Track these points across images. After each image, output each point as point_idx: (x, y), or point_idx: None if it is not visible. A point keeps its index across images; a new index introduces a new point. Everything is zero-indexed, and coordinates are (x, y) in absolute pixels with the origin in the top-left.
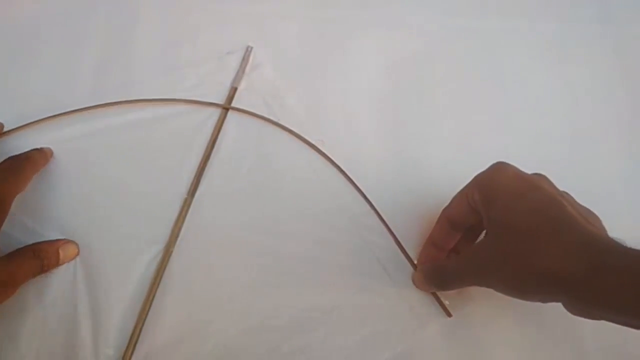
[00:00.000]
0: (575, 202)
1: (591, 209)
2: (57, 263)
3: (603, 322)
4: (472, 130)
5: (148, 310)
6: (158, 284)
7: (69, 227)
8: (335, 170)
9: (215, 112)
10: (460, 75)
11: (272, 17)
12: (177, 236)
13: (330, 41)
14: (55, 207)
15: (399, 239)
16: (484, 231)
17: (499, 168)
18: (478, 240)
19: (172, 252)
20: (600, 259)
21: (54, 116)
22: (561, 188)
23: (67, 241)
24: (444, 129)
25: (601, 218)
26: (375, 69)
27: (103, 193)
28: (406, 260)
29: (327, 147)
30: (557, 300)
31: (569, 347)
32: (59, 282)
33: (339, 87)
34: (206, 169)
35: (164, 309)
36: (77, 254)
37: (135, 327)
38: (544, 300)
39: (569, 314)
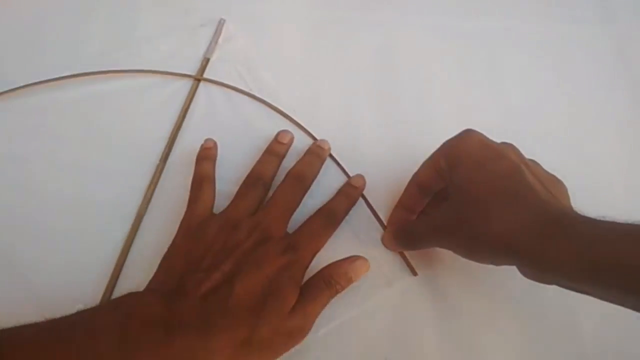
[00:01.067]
0: (542, 170)
1: (560, 179)
2: (347, 285)
3: (601, 320)
4: None
5: (120, 272)
6: (130, 245)
7: (41, 192)
8: (306, 137)
9: (187, 83)
10: (460, 75)
11: None
12: (149, 201)
13: (308, 16)
14: (28, 172)
15: (369, 200)
16: None
17: (466, 135)
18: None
19: (143, 215)
20: (551, 227)
21: (25, 86)
22: None
23: (354, 259)
24: (443, 129)
25: (601, 217)
26: (367, 60)
27: (74, 160)
28: (376, 222)
29: (299, 115)
30: (510, 264)
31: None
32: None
33: (311, 57)
34: (178, 137)
35: (135, 271)
36: (368, 269)
37: (107, 287)
38: (497, 264)
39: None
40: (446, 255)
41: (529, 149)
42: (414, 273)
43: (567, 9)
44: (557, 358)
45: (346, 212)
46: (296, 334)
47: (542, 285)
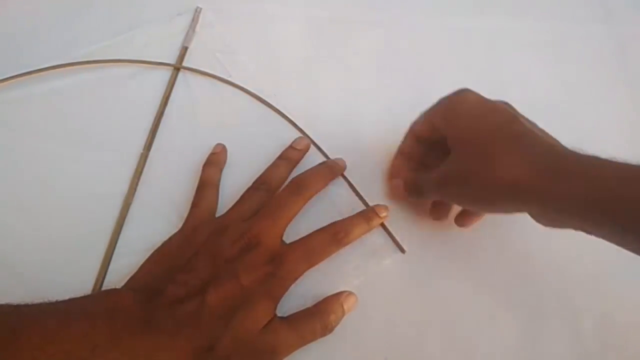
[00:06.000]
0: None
1: None
2: (342, 317)
3: (601, 319)
4: None
5: (109, 262)
6: (118, 235)
7: (26, 184)
8: (287, 124)
9: (167, 72)
10: (460, 75)
11: None
12: (135, 189)
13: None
14: (12, 163)
15: (353, 183)
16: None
17: (462, 93)
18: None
19: (130, 204)
20: (558, 165)
21: (4, 80)
22: None
23: (348, 293)
24: None
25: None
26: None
27: (57, 152)
28: (359, 201)
29: (278, 100)
30: (522, 210)
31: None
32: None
33: (292, 42)
34: (160, 126)
35: (125, 260)
36: (356, 304)
37: (97, 277)
38: (510, 211)
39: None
40: (435, 230)
41: None
42: (402, 250)
43: (567, 9)
44: (557, 358)
45: (359, 236)
46: (263, 356)
47: (541, 282)
